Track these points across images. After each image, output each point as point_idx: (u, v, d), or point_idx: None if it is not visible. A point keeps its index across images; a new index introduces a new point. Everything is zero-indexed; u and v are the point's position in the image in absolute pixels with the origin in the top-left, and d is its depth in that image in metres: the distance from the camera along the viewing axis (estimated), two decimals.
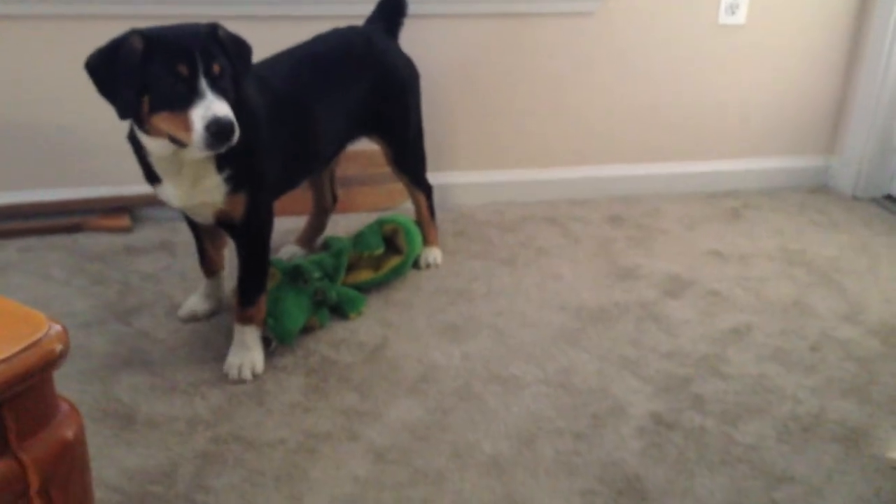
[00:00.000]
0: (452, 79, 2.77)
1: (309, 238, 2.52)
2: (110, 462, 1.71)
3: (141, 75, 1.67)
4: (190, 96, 1.67)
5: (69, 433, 0.92)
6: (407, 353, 2.10)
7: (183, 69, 1.67)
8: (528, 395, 1.96)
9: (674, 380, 2.03)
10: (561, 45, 2.80)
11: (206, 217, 1.95)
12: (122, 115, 1.75)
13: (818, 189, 3.12)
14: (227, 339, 2.05)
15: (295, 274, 2.15)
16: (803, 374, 2.06)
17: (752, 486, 1.71)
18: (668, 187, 3.03)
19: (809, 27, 2.95)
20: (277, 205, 2.06)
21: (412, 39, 2.45)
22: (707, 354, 2.13)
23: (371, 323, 2.22)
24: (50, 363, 0.86)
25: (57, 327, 0.89)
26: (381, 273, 2.35)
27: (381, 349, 2.11)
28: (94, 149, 2.61)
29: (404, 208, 2.71)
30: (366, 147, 2.46)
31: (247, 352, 2.00)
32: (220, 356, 2.03)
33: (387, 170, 2.49)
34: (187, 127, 1.68)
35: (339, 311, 2.22)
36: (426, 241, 2.51)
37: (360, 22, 2.37)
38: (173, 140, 1.73)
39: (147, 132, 1.76)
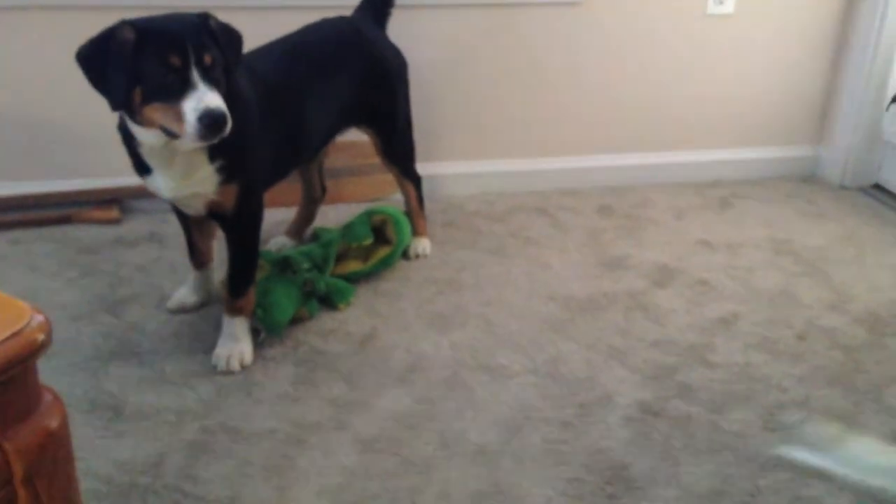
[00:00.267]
0: (441, 69, 2.77)
1: (298, 229, 2.52)
2: (100, 453, 1.72)
3: (133, 66, 1.67)
4: (182, 87, 1.67)
5: (53, 423, 0.93)
6: (395, 343, 2.10)
7: (175, 60, 1.66)
8: (516, 384, 1.97)
9: (661, 369, 2.04)
10: (549, 35, 2.80)
11: (197, 208, 1.95)
12: (114, 106, 1.75)
13: (806, 179, 3.13)
14: (216, 330, 2.06)
15: (284, 265, 2.15)
16: (790, 363, 2.07)
17: (738, 473, 1.73)
18: (658, 177, 3.04)
19: (797, 17, 2.96)
20: (266, 196, 2.06)
21: (400, 30, 2.45)
22: (694, 343, 2.14)
23: (360, 313, 2.22)
24: (33, 353, 0.87)
25: (39, 317, 0.90)
26: (370, 264, 2.35)
27: (369, 339, 2.12)
28: (83, 141, 2.61)
29: (393, 199, 2.71)
30: (355, 138, 2.46)
31: (236, 343, 2.00)
32: (209, 347, 2.03)
33: (376, 160, 2.50)
34: (179, 118, 1.68)
35: (328, 301, 2.22)
36: (415, 232, 2.51)
37: (348, 12, 2.37)
38: (165, 131, 1.73)
39: (139, 123, 1.76)
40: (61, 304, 2.20)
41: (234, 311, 2.00)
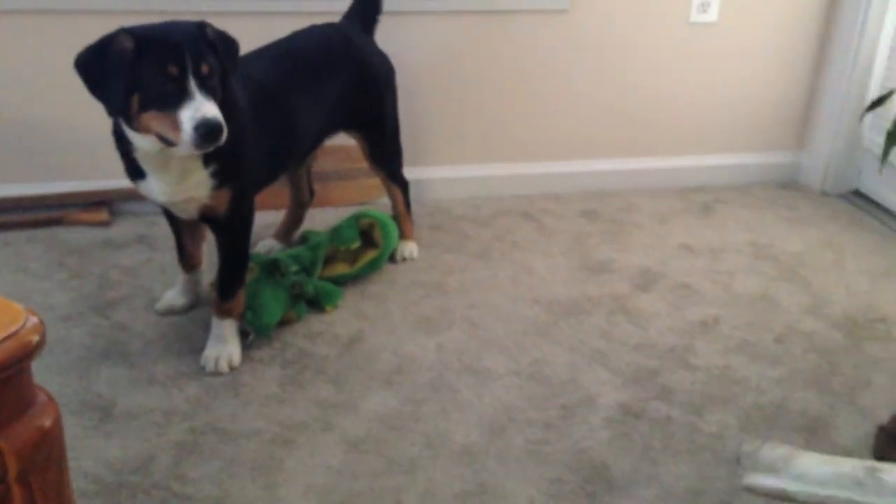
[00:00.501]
0: (429, 75, 2.81)
1: (286, 232, 2.55)
2: (89, 452, 1.74)
3: (131, 74, 1.69)
4: (179, 96, 1.70)
5: (47, 422, 0.96)
6: (382, 346, 2.14)
7: (172, 69, 1.69)
8: (500, 386, 2.01)
9: (642, 371, 2.08)
10: (535, 41, 2.84)
11: (189, 212, 1.97)
12: (112, 112, 1.78)
13: (787, 185, 3.18)
14: (205, 332, 2.08)
15: (272, 268, 2.18)
16: (768, 366, 2.12)
17: (716, 473, 1.77)
18: (642, 182, 3.08)
19: (780, 25, 3.01)
20: (255, 199, 2.09)
21: (388, 36, 2.49)
22: (675, 346, 2.18)
23: (347, 316, 2.25)
24: (27, 354, 0.90)
25: (34, 319, 0.93)
26: (358, 267, 2.39)
27: (356, 341, 2.15)
28: (73, 144, 2.63)
29: (381, 203, 2.74)
30: (343, 142, 2.49)
31: (224, 344, 2.03)
32: (198, 349, 2.06)
33: (363, 165, 2.53)
34: (176, 127, 1.70)
35: (316, 304, 2.25)
36: (402, 235, 2.54)
37: (336, 18, 2.40)
38: (162, 138, 1.76)
39: (136, 129, 1.78)
40: (51, 305, 2.22)
41: (224, 313, 2.03)
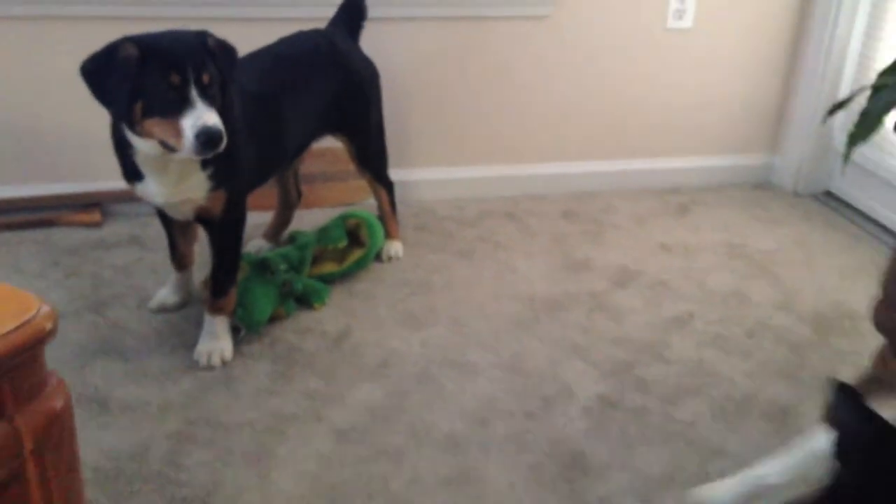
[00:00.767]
0: (415, 79, 2.88)
1: (275, 232, 2.62)
2: (86, 443, 1.79)
3: (135, 82, 1.76)
4: (181, 105, 1.77)
5: (58, 403, 1.03)
6: (368, 341, 2.21)
7: (175, 78, 1.76)
8: (483, 379, 2.09)
9: (619, 364, 2.17)
10: (517, 47, 2.93)
11: (185, 213, 2.04)
12: (116, 118, 1.85)
13: (761, 186, 3.28)
14: (197, 328, 2.15)
15: (263, 266, 2.25)
16: (739, 359, 2.21)
17: (688, 459, 1.86)
18: (621, 184, 3.17)
19: (753, 31, 3.11)
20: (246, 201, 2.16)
21: (374, 41, 2.56)
22: (651, 341, 2.27)
23: (335, 313, 2.33)
24: (41, 339, 0.97)
25: (46, 307, 1.00)
26: (345, 265, 2.46)
27: (344, 337, 2.23)
28: (65, 146, 2.69)
29: (367, 204, 2.82)
30: (330, 145, 2.57)
31: (216, 340, 2.10)
32: (190, 345, 2.13)
33: (350, 167, 2.60)
34: (178, 134, 1.78)
35: (305, 301, 2.33)
36: (388, 235, 2.62)
37: (322, 24, 2.47)
38: (163, 144, 1.83)
39: (138, 134, 1.85)
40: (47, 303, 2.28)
41: (216, 310, 2.10)
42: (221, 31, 1.99)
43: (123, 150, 1.95)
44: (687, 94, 3.14)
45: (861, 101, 1.86)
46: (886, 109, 1.76)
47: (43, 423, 1.00)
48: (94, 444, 1.81)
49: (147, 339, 2.18)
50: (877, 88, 1.85)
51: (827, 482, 1.07)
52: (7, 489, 1.01)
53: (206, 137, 1.76)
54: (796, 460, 1.21)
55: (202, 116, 1.76)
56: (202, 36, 1.87)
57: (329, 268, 2.44)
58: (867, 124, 1.75)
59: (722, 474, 1.79)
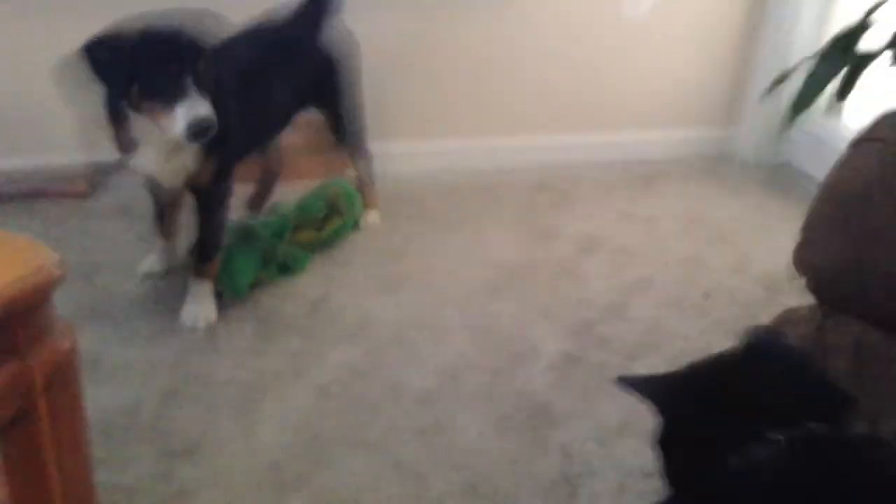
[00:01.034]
0: (392, 58, 2.98)
1: (257, 203, 2.73)
2: None
3: (133, 67, 1.87)
4: (175, 94, 1.87)
5: (66, 345, 1.14)
6: (346, 305, 2.34)
7: (171, 68, 1.86)
8: (454, 339, 2.22)
9: (582, 324, 2.30)
10: (489, 26, 3.04)
11: (176, 182, 2.15)
12: (115, 98, 1.96)
13: (722, 157, 3.42)
14: (183, 293, 2.26)
15: (246, 234, 2.36)
16: (695, 318, 2.35)
17: (643, 409, 1.99)
18: (588, 157, 3.30)
19: (712, 9, 3.24)
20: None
21: (352, 21, 2.65)
22: (613, 302, 2.41)
23: (314, 278, 2.45)
24: (52, 284, 1.08)
25: (56, 255, 1.12)
26: (324, 234, 2.58)
27: (323, 301, 2.35)
28: (53, 120, 2.76)
29: (347, 175, 2.92)
30: (311, 119, 2.67)
31: (201, 303, 2.22)
32: (177, 309, 2.24)
33: (330, 140, 2.71)
34: (171, 120, 1.89)
35: (286, 267, 2.44)
36: (366, 205, 2.74)
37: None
38: (157, 126, 1.94)
39: (135, 111, 1.96)
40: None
41: (202, 274, 2.21)
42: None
43: (118, 122, 2.04)
44: (651, 70, 3.27)
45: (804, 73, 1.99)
46: (826, 80, 1.89)
47: (52, 362, 1.12)
48: (88, 401, 1.88)
49: (135, 304, 2.29)
50: (821, 59, 1.99)
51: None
52: (21, 422, 1.13)
53: (198, 128, 1.88)
54: None
55: (195, 106, 1.87)
56: (199, 22, 1.96)
57: (309, 236, 2.56)
58: (808, 94, 1.89)
59: None
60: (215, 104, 1.93)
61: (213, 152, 2.08)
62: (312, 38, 2.49)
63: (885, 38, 1.97)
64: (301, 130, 2.90)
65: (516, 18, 3.06)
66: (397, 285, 2.44)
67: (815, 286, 1.33)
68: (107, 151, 2.17)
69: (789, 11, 3.14)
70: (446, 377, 2.07)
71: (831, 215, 1.27)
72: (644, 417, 1.99)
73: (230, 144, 2.15)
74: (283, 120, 2.49)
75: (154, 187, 2.29)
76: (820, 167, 3.20)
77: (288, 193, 2.78)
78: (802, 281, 2.51)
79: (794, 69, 2.05)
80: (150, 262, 2.42)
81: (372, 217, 2.75)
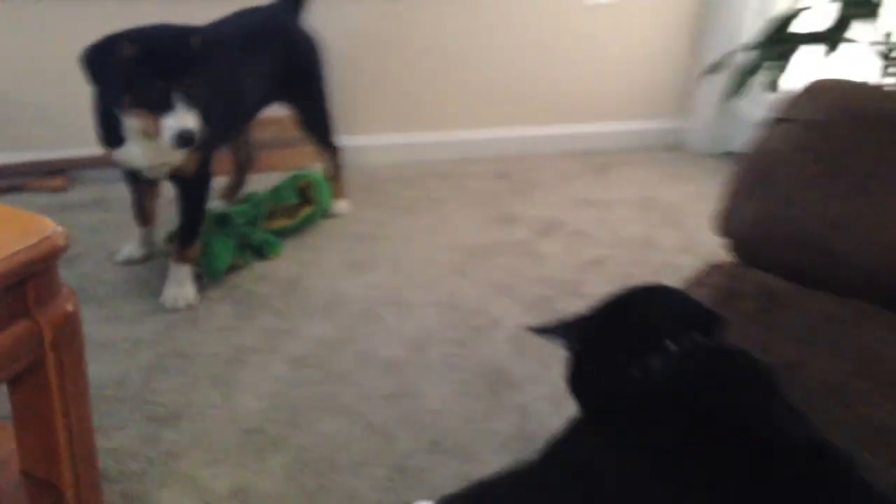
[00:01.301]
0: (360, 53, 3.13)
1: (231, 193, 2.86)
2: None
3: (126, 78, 2.01)
4: (164, 106, 2.02)
5: (70, 306, 1.28)
6: (318, 285, 2.48)
7: (160, 83, 2.01)
8: (420, 314, 2.37)
9: (540, 300, 2.47)
10: (450, 22, 3.20)
11: (162, 173, 2.29)
12: (109, 101, 2.10)
13: (673, 147, 3.61)
14: (162, 277, 2.39)
15: (222, 220, 2.50)
16: None
17: None
18: (547, 147, 3.48)
19: (663, 5, 3.43)
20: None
21: (319, 17, 2.80)
22: (569, 280, 2.58)
23: (288, 262, 2.59)
24: (57, 252, 1.22)
25: (60, 228, 1.25)
26: (296, 221, 2.72)
27: (296, 282, 2.49)
28: (32, 115, 2.88)
29: (317, 167, 3.06)
30: (282, 113, 2.81)
31: (182, 286, 2.35)
32: (157, 292, 2.36)
33: (299, 134, 2.85)
34: (159, 129, 2.04)
35: (260, 252, 2.58)
36: (335, 194, 2.88)
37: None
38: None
39: (128, 114, 2.10)
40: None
41: (182, 259, 2.34)
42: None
43: (109, 120, 2.17)
44: (607, 64, 3.45)
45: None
46: (754, 69, 2.08)
47: (58, 321, 1.25)
48: None
49: (116, 288, 2.42)
50: (753, 48, 2.18)
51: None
52: (31, 375, 1.26)
53: (183, 141, 2.03)
54: None
55: (181, 119, 2.01)
56: (191, 37, 2.08)
57: (282, 223, 2.70)
58: (738, 82, 2.07)
59: None
60: (203, 99, 2.06)
61: (199, 144, 2.21)
62: (286, 29, 2.63)
63: (816, 26, 2.16)
64: (272, 125, 3.05)
65: (476, 17, 3.23)
66: (366, 267, 2.59)
67: (734, 245, 1.50)
68: (84, 147, 2.30)
69: (735, 9, 3.33)
70: (413, 348, 2.23)
71: (747, 186, 1.44)
72: None
73: (212, 136, 2.28)
74: (251, 113, 2.62)
75: (134, 179, 2.41)
76: None
77: (260, 184, 2.92)
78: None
79: (727, 58, 2.24)
80: (129, 249, 2.54)
81: (341, 206, 2.89)
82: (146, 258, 2.55)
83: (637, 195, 3.17)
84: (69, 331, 1.28)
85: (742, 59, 2.09)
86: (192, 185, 2.31)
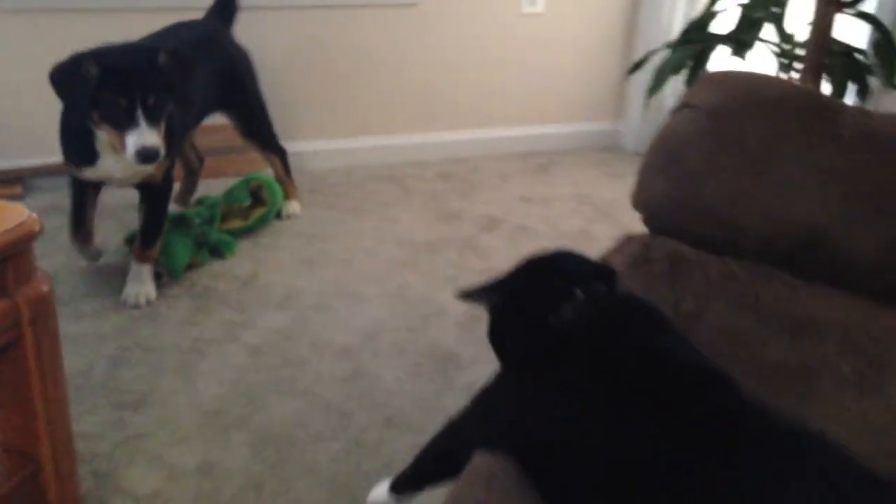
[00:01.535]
0: (301, 62, 3.27)
1: (185, 197, 2.97)
2: None
3: (92, 96, 2.11)
4: (128, 122, 2.13)
5: (45, 287, 1.39)
6: (273, 281, 2.60)
7: (122, 101, 2.12)
8: (371, 305, 2.51)
9: None
10: (390, 32, 3.36)
11: (132, 183, 2.40)
12: (77, 117, 2.19)
13: (609, 148, 3.81)
14: (121, 277, 2.49)
15: (180, 221, 2.61)
16: None
17: None
18: (488, 149, 3.65)
19: (596, 15, 3.63)
20: None
21: (256, 29, 2.92)
22: None
23: (243, 260, 2.71)
24: (33, 235, 1.33)
25: (34, 214, 1.37)
26: (250, 221, 2.84)
27: (252, 279, 2.61)
28: None
29: (267, 172, 3.18)
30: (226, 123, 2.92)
31: (142, 284, 2.45)
32: (117, 291, 2.46)
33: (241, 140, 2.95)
34: (123, 145, 2.15)
35: (217, 251, 2.69)
36: (286, 196, 3.00)
37: (197, 15, 2.79)
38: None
39: (98, 129, 2.20)
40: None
41: (143, 258, 2.45)
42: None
43: (82, 137, 2.25)
44: (544, 71, 3.64)
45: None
46: (675, 68, 2.27)
47: (35, 300, 1.36)
48: None
49: (77, 288, 2.51)
50: (672, 50, 2.37)
51: None
52: (11, 350, 1.37)
53: (144, 157, 2.14)
54: None
55: (143, 136, 2.12)
56: (156, 55, 2.19)
57: (236, 223, 2.81)
58: (659, 80, 2.26)
59: None
60: (167, 113, 2.18)
61: (167, 153, 2.31)
62: (221, 42, 2.74)
63: (727, 28, 2.36)
64: (219, 132, 3.16)
65: (415, 27, 3.39)
66: (318, 263, 2.72)
67: (646, 218, 1.67)
68: (39, 156, 2.38)
69: (663, 17, 3.55)
70: (365, 336, 2.36)
71: (657, 165, 1.61)
72: None
73: (176, 145, 2.40)
74: (198, 120, 2.73)
75: (82, 188, 2.46)
76: None
77: (210, 190, 3.03)
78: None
79: (648, 56, 2.43)
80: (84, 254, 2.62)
81: (292, 207, 3.02)
82: (99, 258, 2.63)
83: (574, 192, 3.35)
84: (45, 310, 1.39)
85: (661, 57, 2.27)
86: (157, 191, 2.43)
